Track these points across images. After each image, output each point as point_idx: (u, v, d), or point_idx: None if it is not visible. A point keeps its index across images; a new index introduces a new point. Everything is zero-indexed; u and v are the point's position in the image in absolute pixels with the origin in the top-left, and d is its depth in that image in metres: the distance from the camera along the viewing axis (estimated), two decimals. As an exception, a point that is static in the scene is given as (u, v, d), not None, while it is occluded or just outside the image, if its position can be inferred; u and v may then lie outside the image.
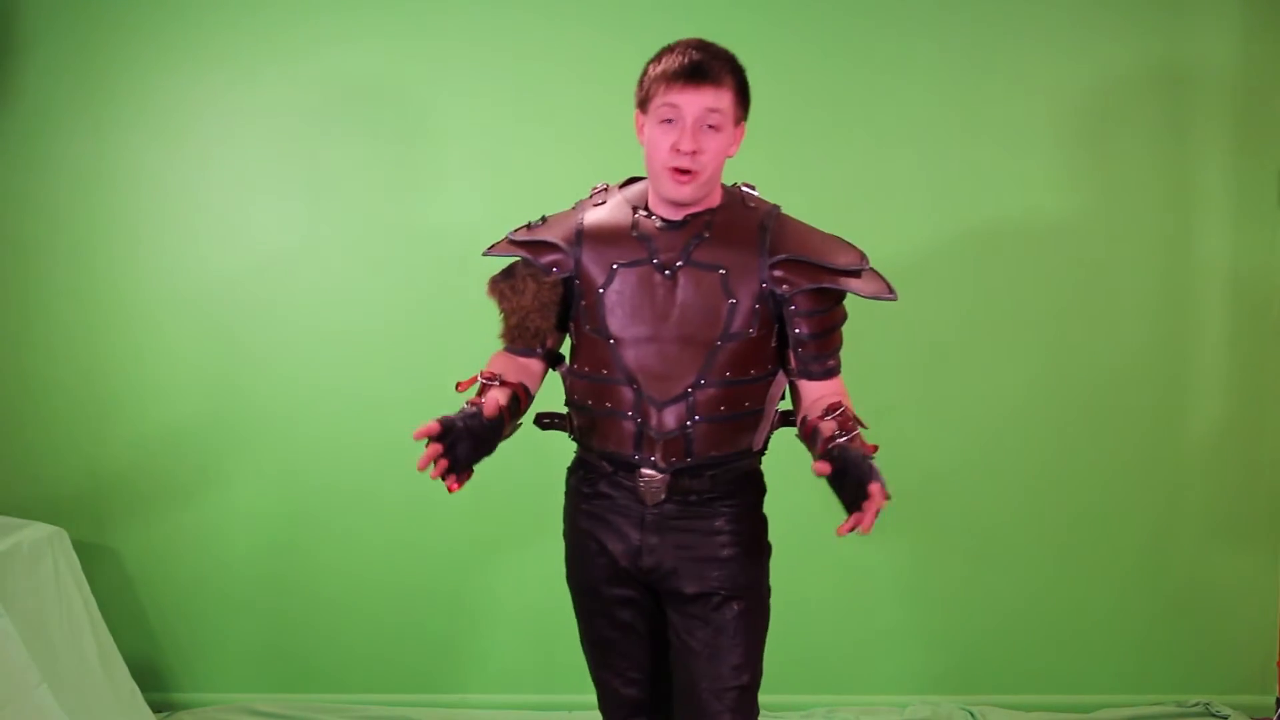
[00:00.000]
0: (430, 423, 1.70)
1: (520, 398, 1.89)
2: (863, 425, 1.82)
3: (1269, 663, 3.15)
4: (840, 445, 1.74)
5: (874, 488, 1.60)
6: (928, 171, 3.09)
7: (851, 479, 1.65)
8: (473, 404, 1.79)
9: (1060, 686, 3.19)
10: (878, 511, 1.61)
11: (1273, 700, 3.13)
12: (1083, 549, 3.17)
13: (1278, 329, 3.13)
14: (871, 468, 1.65)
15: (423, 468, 1.68)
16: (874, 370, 3.10)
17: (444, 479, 1.71)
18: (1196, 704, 3.16)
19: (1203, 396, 3.14)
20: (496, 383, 1.86)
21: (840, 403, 1.84)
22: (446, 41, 3.09)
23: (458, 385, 1.88)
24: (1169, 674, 3.19)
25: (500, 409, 1.79)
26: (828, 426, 1.80)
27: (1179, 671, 3.19)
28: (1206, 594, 3.17)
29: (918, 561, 3.18)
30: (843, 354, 1.98)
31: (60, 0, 3.10)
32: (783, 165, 3.04)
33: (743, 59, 1.90)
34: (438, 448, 1.69)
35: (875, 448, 1.77)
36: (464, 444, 1.72)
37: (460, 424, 1.73)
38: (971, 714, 3.14)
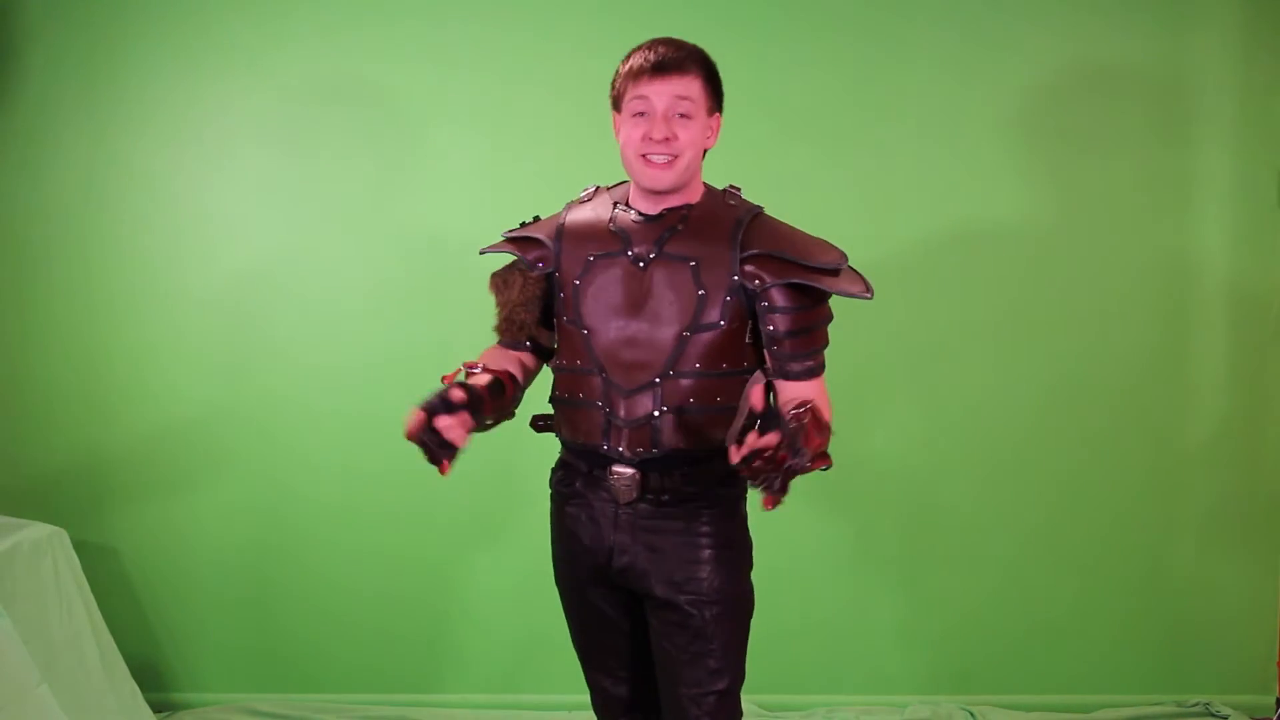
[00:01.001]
0: (416, 416, 1.79)
1: (505, 384, 1.95)
2: (821, 429, 1.71)
3: (1269, 663, 3.15)
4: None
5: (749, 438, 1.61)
6: (922, 173, 3.09)
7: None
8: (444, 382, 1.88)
9: (1060, 686, 3.19)
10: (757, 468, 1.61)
11: (1273, 700, 3.13)
12: (1083, 549, 3.17)
13: (1278, 329, 3.13)
14: (780, 419, 1.64)
15: (435, 461, 1.81)
16: (875, 371, 3.11)
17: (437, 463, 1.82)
18: (1196, 704, 3.16)
19: (1203, 397, 3.14)
20: (479, 369, 1.95)
21: (811, 401, 1.73)
22: (446, 47, 3.09)
23: (443, 379, 1.91)
24: (1169, 674, 3.19)
25: (470, 388, 1.87)
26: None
27: (1179, 671, 3.19)
28: (1207, 594, 3.17)
29: (917, 562, 3.18)
30: (843, 357, 1.97)
31: (60, 0, 3.10)
32: (779, 169, 3.05)
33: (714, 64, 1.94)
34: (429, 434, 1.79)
35: (826, 460, 1.73)
36: (444, 420, 1.79)
37: (438, 403, 1.81)
38: (971, 714, 3.14)
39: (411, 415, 1.79)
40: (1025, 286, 3.12)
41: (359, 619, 3.21)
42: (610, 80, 1.96)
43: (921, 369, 3.15)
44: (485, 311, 2.03)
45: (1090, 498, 3.16)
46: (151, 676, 3.17)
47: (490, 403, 1.90)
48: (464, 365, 1.96)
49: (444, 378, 1.91)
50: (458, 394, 1.82)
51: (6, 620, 2.48)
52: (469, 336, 2.24)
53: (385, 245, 3.15)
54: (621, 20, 2.90)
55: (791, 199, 2.24)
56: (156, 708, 3.06)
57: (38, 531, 2.76)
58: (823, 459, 1.76)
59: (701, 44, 1.96)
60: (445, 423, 1.77)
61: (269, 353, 3.16)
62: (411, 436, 1.79)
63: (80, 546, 2.92)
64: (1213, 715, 3.13)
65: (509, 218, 2.17)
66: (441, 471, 1.81)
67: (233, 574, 3.21)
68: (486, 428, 1.96)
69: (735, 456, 1.63)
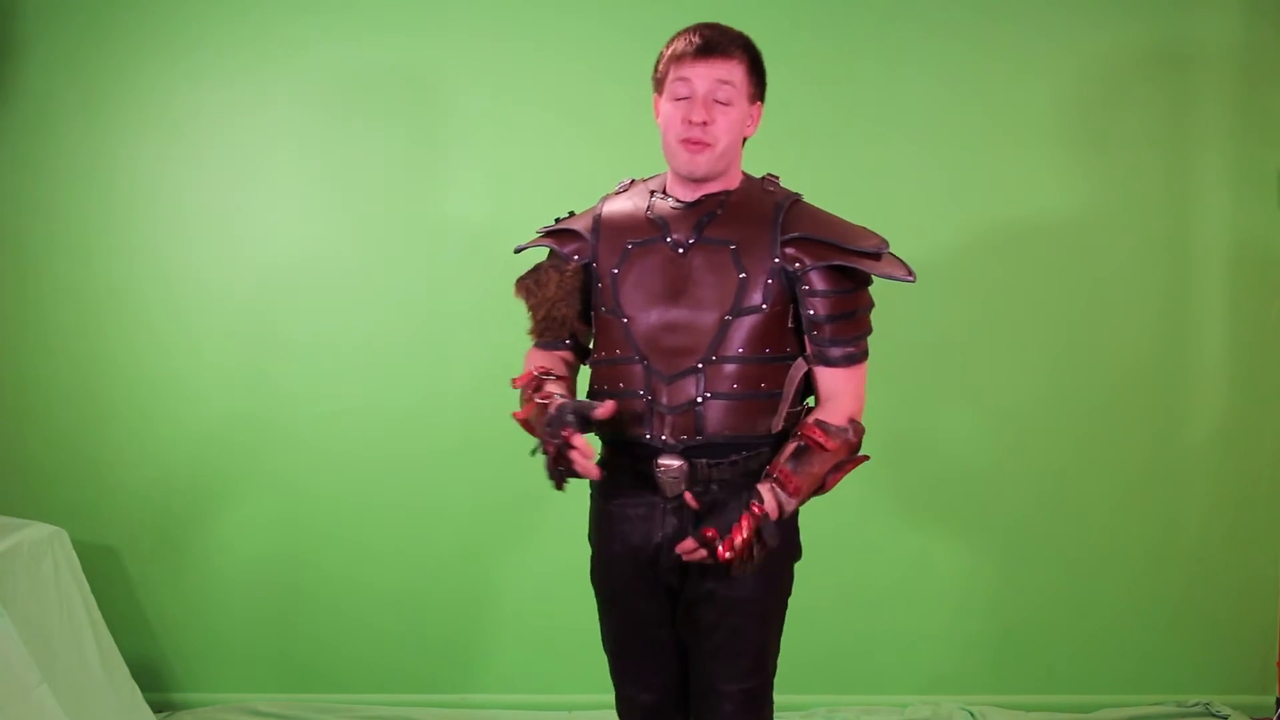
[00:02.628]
0: (553, 443, 1.80)
1: (572, 386, 1.97)
2: (828, 445, 1.86)
3: (1269, 663, 3.15)
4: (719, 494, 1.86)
5: (697, 537, 1.79)
6: (926, 165, 3.08)
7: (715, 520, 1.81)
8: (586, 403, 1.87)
9: (1060, 686, 3.19)
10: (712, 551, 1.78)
11: (1273, 700, 3.13)
12: (1083, 549, 3.17)
13: (1278, 329, 3.12)
14: (743, 519, 1.79)
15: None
16: (878, 373, 3.10)
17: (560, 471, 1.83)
18: (1196, 704, 3.16)
19: (1204, 396, 3.14)
20: (552, 378, 1.93)
21: (825, 421, 1.87)
22: (460, 33, 3.08)
23: (513, 382, 1.94)
24: (1169, 674, 3.19)
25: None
26: (788, 448, 1.86)
27: (1179, 671, 3.19)
28: (1207, 594, 3.17)
29: (918, 562, 3.17)
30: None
31: (60, 0, 3.10)
32: (795, 161, 3.03)
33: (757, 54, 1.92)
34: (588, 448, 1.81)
35: (862, 458, 1.85)
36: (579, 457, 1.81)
37: (577, 421, 1.81)
38: (971, 714, 3.14)
39: (547, 433, 1.80)
40: (1021, 286, 3.12)
41: (360, 619, 3.21)
42: (650, 71, 1.95)
43: (925, 368, 3.14)
44: (495, 318, 2.00)
45: (1089, 498, 3.15)
46: (151, 676, 3.17)
47: None
48: (536, 370, 1.95)
49: (514, 382, 1.94)
50: (603, 411, 1.81)
51: (6, 620, 2.48)
52: (490, 332, 2.23)
53: (406, 241, 3.12)
54: (657, 5, 2.89)
55: (825, 191, 2.22)
56: (156, 708, 3.06)
57: (38, 531, 2.76)
58: (858, 459, 1.92)
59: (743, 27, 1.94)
60: (580, 460, 1.79)
61: (271, 349, 3.15)
62: (549, 453, 1.81)
63: (80, 546, 2.92)
64: (1213, 715, 3.13)
65: (534, 212, 2.14)
66: (558, 486, 1.85)
67: (233, 574, 3.21)
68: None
69: (723, 553, 1.79)
